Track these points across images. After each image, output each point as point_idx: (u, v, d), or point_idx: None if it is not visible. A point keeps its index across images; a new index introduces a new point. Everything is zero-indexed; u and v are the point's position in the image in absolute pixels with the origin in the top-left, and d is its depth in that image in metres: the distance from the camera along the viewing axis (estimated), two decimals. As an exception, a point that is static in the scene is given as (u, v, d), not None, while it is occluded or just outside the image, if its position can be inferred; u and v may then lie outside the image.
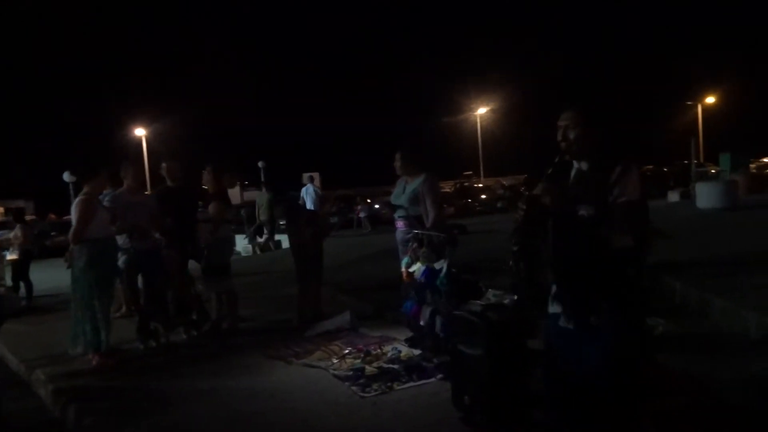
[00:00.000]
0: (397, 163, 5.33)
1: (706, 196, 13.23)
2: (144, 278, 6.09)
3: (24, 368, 5.65)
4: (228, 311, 6.38)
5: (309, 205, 16.97)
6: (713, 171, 25.47)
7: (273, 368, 4.96)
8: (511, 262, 3.02)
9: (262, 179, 24.04)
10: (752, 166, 28.27)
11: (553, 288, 2.94)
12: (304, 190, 17.66)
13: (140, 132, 42.09)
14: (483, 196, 28.86)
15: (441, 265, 4.73)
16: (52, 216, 30.47)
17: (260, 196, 17.24)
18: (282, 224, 22.34)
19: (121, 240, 6.06)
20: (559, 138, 2.85)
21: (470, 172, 45.57)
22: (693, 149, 24.78)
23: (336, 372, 4.67)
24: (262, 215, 16.86)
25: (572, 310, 2.84)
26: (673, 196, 18.46)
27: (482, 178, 43.04)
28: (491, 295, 3.84)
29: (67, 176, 18.56)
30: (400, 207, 5.30)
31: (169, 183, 6.65)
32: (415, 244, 5.01)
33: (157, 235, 6.04)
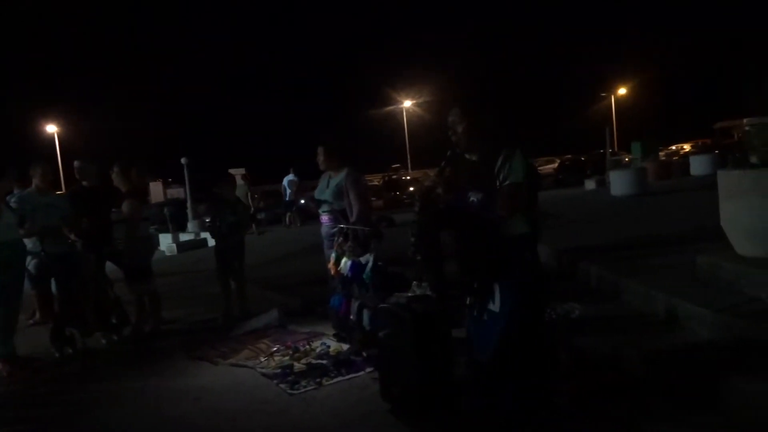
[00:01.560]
0: (320, 158, 5.30)
1: (619, 183, 13.87)
2: (57, 283, 5.79)
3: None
4: (150, 313, 6.17)
5: (289, 193, 18.92)
6: (627, 159, 26.73)
7: (199, 370, 4.84)
8: (410, 255, 3.16)
9: (186, 176, 23.40)
10: (661, 153, 29.93)
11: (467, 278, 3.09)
12: (285, 179, 18.98)
13: (51, 129, 39.95)
14: (411, 189, 29.15)
15: (367, 258, 4.75)
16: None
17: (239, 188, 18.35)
18: (207, 221, 21.98)
19: (30, 243, 5.74)
20: (449, 133, 3.03)
21: (398, 165, 45.91)
22: (608, 138, 25.94)
23: (264, 370, 4.61)
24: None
25: (476, 298, 3.00)
26: (590, 184, 19.25)
27: (410, 171, 43.45)
28: (416, 286, 3.88)
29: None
30: (324, 202, 5.27)
31: (83, 183, 6.37)
32: (340, 239, 5.00)
33: (71, 237, 5.76)
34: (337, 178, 5.18)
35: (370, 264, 4.77)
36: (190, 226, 21.66)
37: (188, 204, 23.18)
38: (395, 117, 48.37)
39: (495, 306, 2.93)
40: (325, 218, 5.31)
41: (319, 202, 5.33)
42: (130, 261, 6.01)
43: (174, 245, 16.26)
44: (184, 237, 18.95)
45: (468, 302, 3.14)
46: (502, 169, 2.82)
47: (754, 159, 4.77)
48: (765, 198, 4.18)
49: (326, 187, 5.27)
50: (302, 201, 22.64)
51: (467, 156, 3.04)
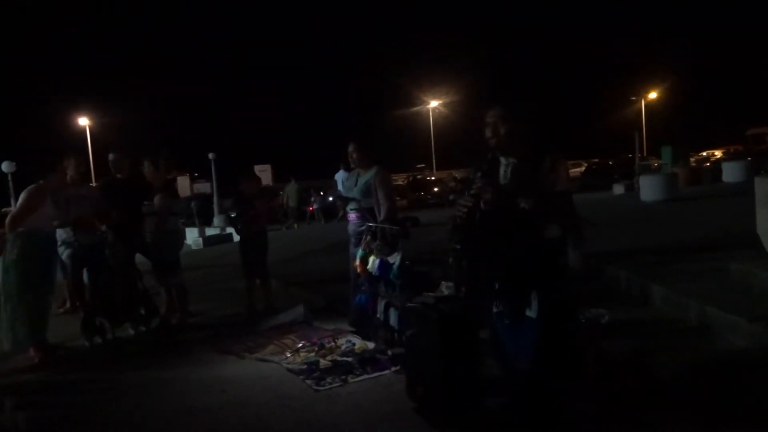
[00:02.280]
0: (352, 155, 5.30)
1: (649, 188, 13.68)
2: (89, 273, 5.89)
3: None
4: (178, 306, 6.25)
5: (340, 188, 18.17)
6: (656, 164, 26.35)
7: (225, 363, 4.88)
8: (451, 260, 3.09)
9: (213, 171, 23.71)
10: (692, 159, 29.41)
11: (496, 286, 3.04)
12: (337, 174, 18.93)
13: (84, 122, 40.67)
14: (435, 189, 29.11)
15: (395, 257, 4.75)
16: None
17: (288, 187, 21.08)
18: (232, 216, 22.21)
19: (64, 234, 5.85)
20: (489, 134, 2.97)
21: (423, 165, 45.87)
22: (637, 143, 25.61)
23: (290, 366, 4.63)
24: (291, 203, 20.57)
25: (510, 307, 2.95)
26: (618, 189, 18.99)
27: (435, 171, 43.36)
28: (444, 287, 3.87)
29: (6, 166, 17.84)
30: (352, 199, 5.29)
31: (116, 175, 6.48)
32: (368, 237, 5.00)
33: (102, 228, 5.86)
34: (367, 175, 5.19)
35: (397, 263, 4.77)
36: (216, 220, 21.96)
37: (215, 199, 23.49)
38: (421, 117, 48.28)
39: (532, 312, 2.89)
40: (352, 216, 5.31)
41: (347, 200, 5.35)
42: (159, 253, 6.10)
43: (200, 239, 16.50)
44: (210, 231, 19.23)
45: (497, 308, 3.09)
46: (550, 174, 2.80)
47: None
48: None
49: (354, 184, 5.28)
50: (330, 198, 22.89)
51: (503, 159, 2.98)
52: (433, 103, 47.30)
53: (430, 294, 3.87)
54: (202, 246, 15.98)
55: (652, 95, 49.04)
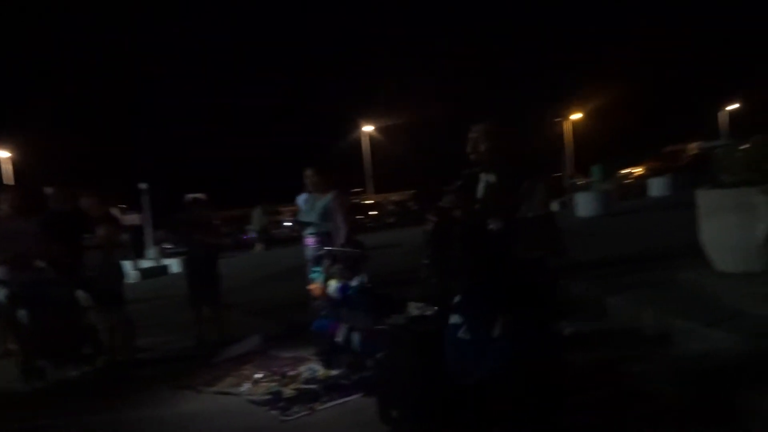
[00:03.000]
0: (309, 180, 5.25)
1: (585, 204, 14.24)
2: (28, 312, 5.53)
3: None
4: (124, 342, 5.96)
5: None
6: (582, 182, 27.43)
7: (182, 399, 4.67)
8: (423, 276, 3.05)
9: (144, 201, 22.94)
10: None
11: (456, 298, 2.99)
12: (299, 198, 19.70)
13: (3, 154, 38.59)
14: (373, 213, 29.26)
15: (357, 280, 4.71)
16: None
17: (255, 212, 22.13)
18: (168, 248, 21.53)
19: (1, 272, 5.50)
20: (469, 150, 2.90)
21: (360, 189, 45.94)
22: (566, 162, 26.64)
23: (252, 397, 4.48)
24: (255, 227, 21.94)
25: (472, 323, 2.88)
26: (554, 206, 19.70)
27: (371, 194, 43.52)
28: (413, 308, 3.86)
29: None
30: (310, 223, 5.23)
31: (55, 208, 6.17)
32: (328, 261, 4.94)
33: (41, 264, 5.54)
34: (324, 199, 5.15)
35: (357, 285, 4.74)
36: (149, 252, 21.21)
37: (148, 230, 22.71)
38: (357, 142, 48.51)
39: (497, 330, 2.84)
40: (310, 240, 5.25)
41: (304, 224, 5.28)
42: (105, 287, 5.81)
43: (137, 272, 15.85)
44: (145, 263, 18.54)
45: (454, 321, 3.04)
46: (525, 198, 2.75)
47: (724, 177, 4.94)
48: (742, 216, 4.33)
49: (311, 208, 5.23)
50: (284, 224, 22.97)
51: (484, 177, 2.94)
52: (367, 128, 47.65)
53: (401, 315, 3.82)
54: (139, 279, 15.37)
55: (577, 116, 51.20)
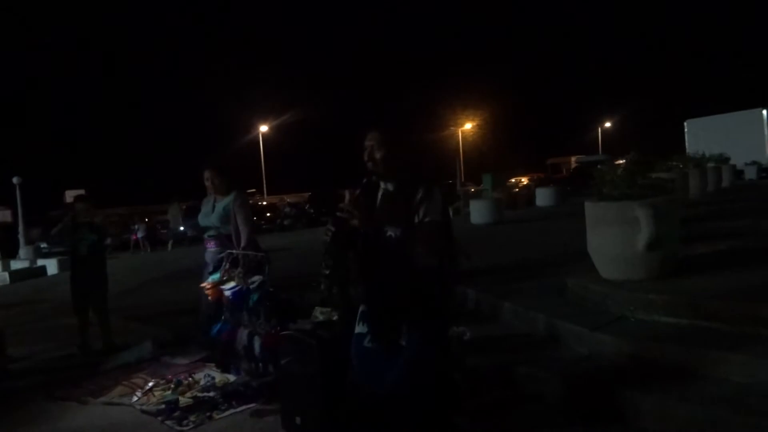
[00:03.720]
0: (208, 182, 5.07)
1: (478, 212, 14.71)
2: None
3: None
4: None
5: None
6: (473, 190, 28.48)
7: (65, 411, 4.34)
8: (322, 286, 3.00)
9: (18, 197, 21.24)
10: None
11: (361, 307, 2.99)
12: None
13: None
14: (268, 214, 28.79)
15: (257, 284, 4.60)
16: None
17: (171, 208, 23.02)
18: (44, 248, 20.02)
19: None
20: (366, 158, 2.87)
21: (254, 190, 45.08)
22: (458, 170, 27.58)
23: (144, 407, 4.26)
24: (173, 224, 22.34)
25: (377, 330, 2.89)
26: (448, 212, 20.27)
27: (266, 196, 42.83)
28: (319, 312, 3.82)
29: None
30: (210, 227, 5.05)
31: None
32: (228, 264, 4.80)
33: None
34: (224, 201, 4.99)
35: (255, 288, 4.64)
36: (22, 252, 19.66)
37: (20, 228, 21.05)
38: (252, 141, 47.56)
39: (401, 339, 2.78)
40: (211, 243, 5.07)
41: (204, 228, 5.10)
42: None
43: (6, 274, 14.58)
44: (16, 265, 17.16)
45: (357, 330, 3.04)
46: (421, 204, 2.71)
47: (606, 191, 5.30)
48: (625, 227, 4.66)
49: (211, 211, 5.05)
50: (181, 228, 22.25)
51: (383, 185, 2.89)
52: (263, 128, 46.90)
53: (306, 320, 3.78)
54: (8, 281, 14.11)
55: (468, 126, 53.26)
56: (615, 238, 4.72)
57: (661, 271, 4.61)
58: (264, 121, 47.08)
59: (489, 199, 15.88)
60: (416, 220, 2.71)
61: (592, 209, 4.97)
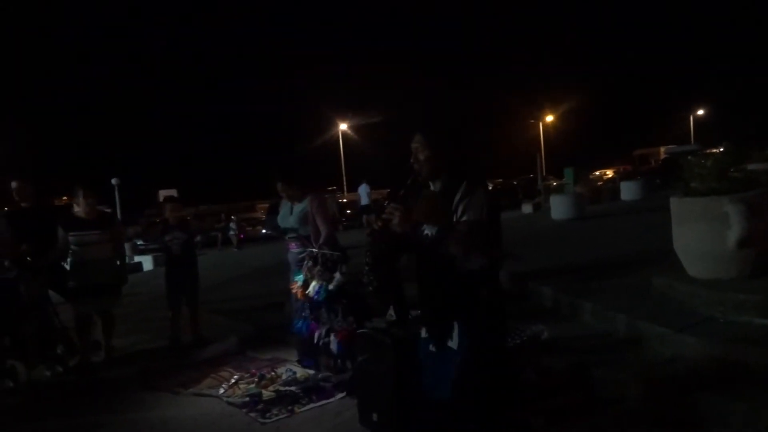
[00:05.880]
0: (282, 193, 5.24)
1: (559, 207, 14.28)
2: (-2, 311, 5.42)
3: None
4: (99, 341, 5.89)
5: (365, 201, 21.73)
6: (554, 183, 27.76)
7: (158, 401, 4.63)
8: (365, 279, 3.03)
9: (116, 197, 22.59)
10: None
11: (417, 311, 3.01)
12: (361, 187, 22.02)
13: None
14: (348, 211, 29.26)
15: (337, 282, 4.72)
16: None
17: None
18: (140, 245, 21.22)
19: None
20: (412, 160, 2.89)
21: (334, 188, 45.83)
22: (539, 164, 26.92)
23: (230, 399, 4.47)
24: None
25: (433, 334, 2.89)
26: (527, 208, 19.83)
27: (346, 194, 43.43)
28: (393, 311, 3.88)
29: None
30: (289, 229, 5.21)
31: (20, 203, 6.04)
32: (309, 262, 4.94)
33: (5, 263, 5.42)
34: (301, 204, 5.12)
35: (334, 286, 4.75)
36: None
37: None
38: (332, 139, 48.35)
39: (453, 343, 2.77)
40: (292, 245, 5.23)
41: (285, 230, 5.26)
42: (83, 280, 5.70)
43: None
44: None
45: (423, 333, 3.04)
46: (460, 204, 2.69)
47: (694, 185, 5.06)
48: (713, 224, 4.44)
49: (290, 213, 5.21)
50: (263, 231, 23.13)
51: (430, 185, 2.88)
52: (343, 126, 47.56)
53: (382, 319, 3.84)
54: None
55: (549, 118, 51.87)
56: (703, 235, 4.51)
57: (754, 270, 4.36)
58: (344, 118, 47.64)
59: (570, 193, 15.40)
60: (454, 219, 2.69)
61: (677, 205, 4.76)
